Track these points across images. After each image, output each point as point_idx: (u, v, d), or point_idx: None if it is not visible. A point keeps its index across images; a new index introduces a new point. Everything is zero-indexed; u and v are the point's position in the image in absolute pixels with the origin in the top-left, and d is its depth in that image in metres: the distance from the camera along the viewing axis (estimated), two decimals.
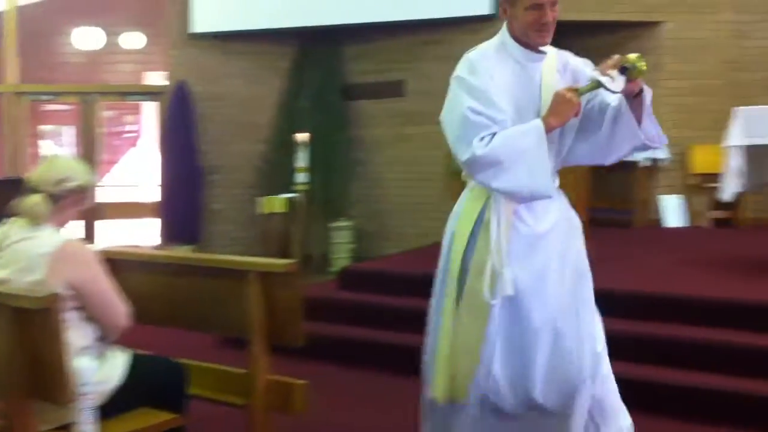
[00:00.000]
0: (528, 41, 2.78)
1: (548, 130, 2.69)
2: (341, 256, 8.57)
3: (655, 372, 4.16)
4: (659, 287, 4.91)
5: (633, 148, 2.82)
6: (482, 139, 2.68)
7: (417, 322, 5.08)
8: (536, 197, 2.73)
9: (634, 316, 4.54)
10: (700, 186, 8.29)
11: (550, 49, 2.85)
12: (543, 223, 2.79)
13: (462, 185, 5.77)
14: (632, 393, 3.08)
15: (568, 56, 2.92)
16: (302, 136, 7.64)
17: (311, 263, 8.44)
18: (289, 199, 7.99)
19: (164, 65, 10.03)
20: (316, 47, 9.27)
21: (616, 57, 2.66)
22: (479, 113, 2.70)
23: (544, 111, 2.75)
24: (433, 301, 3.00)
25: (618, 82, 2.61)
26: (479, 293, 2.75)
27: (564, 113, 2.70)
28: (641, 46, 8.83)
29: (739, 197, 7.77)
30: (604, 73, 2.63)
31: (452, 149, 2.81)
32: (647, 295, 4.73)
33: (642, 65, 2.62)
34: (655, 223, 8.60)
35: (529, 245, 2.76)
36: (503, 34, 2.85)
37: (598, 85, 2.65)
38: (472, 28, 8.72)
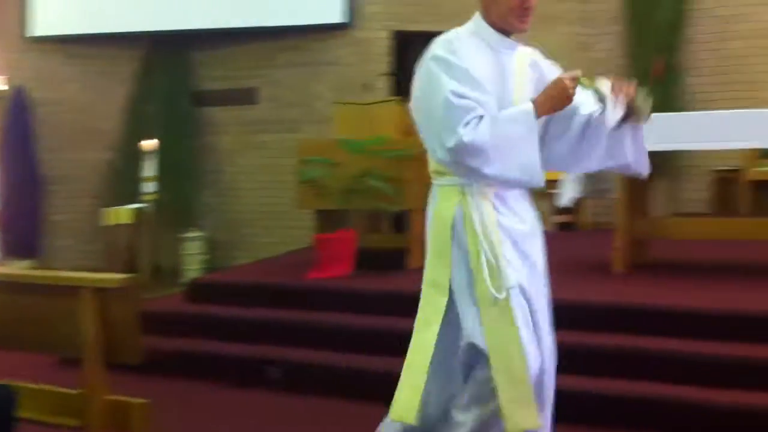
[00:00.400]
0: (507, 27, 2.67)
1: (539, 115, 2.58)
2: (193, 268, 8.36)
3: None
4: None
5: (608, 167, 2.77)
6: (467, 123, 2.51)
7: (270, 333, 5.06)
8: (526, 186, 2.64)
9: None
10: (544, 192, 8.60)
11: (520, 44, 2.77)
12: (523, 222, 2.70)
13: (315, 193, 5.79)
14: None
15: (537, 54, 2.83)
16: (149, 144, 7.40)
17: (161, 275, 8.18)
18: (137, 209, 7.72)
19: (2, 70, 9.51)
20: (164, 52, 9.03)
21: (632, 89, 2.58)
22: (462, 96, 2.52)
23: (515, 102, 2.65)
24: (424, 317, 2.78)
25: (617, 111, 2.56)
26: (487, 294, 2.58)
27: (558, 101, 2.60)
28: None
29: (580, 202, 8.15)
30: (613, 95, 2.55)
31: (429, 136, 2.61)
32: None
33: (647, 110, 2.58)
34: None
35: (514, 243, 2.65)
36: (476, 21, 2.72)
37: (600, 98, 2.58)
38: (325, 35, 8.75)
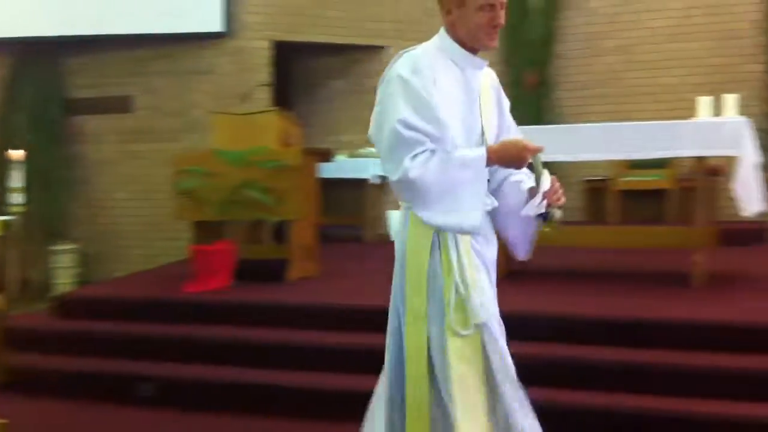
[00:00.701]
0: (475, 45, 2.57)
1: (489, 164, 2.51)
2: (64, 281, 8.02)
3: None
4: (388, 302, 5.04)
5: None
6: (415, 157, 2.42)
7: (143, 348, 4.89)
8: (464, 232, 2.52)
9: (365, 329, 4.63)
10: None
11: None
12: (490, 249, 2.61)
13: (193, 204, 5.66)
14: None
15: (495, 78, 2.76)
16: (16, 153, 7.04)
17: (30, 290, 7.81)
18: (3, 221, 7.33)
19: None
20: (33, 59, 8.65)
21: (563, 200, 2.55)
22: (412, 127, 2.42)
23: (483, 123, 2.61)
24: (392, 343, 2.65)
25: (540, 207, 2.52)
26: (456, 330, 2.48)
27: (512, 160, 2.52)
28: (365, 70, 9.20)
29: None
30: (548, 192, 2.51)
31: (382, 163, 2.53)
32: (380, 309, 4.82)
33: (555, 223, 2.55)
34: (385, 239, 8.93)
35: (486, 272, 2.56)
36: (442, 39, 2.61)
37: (538, 173, 2.52)
38: (203, 44, 8.60)
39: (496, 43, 2.57)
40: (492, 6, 2.52)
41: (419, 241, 2.53)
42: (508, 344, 2.56)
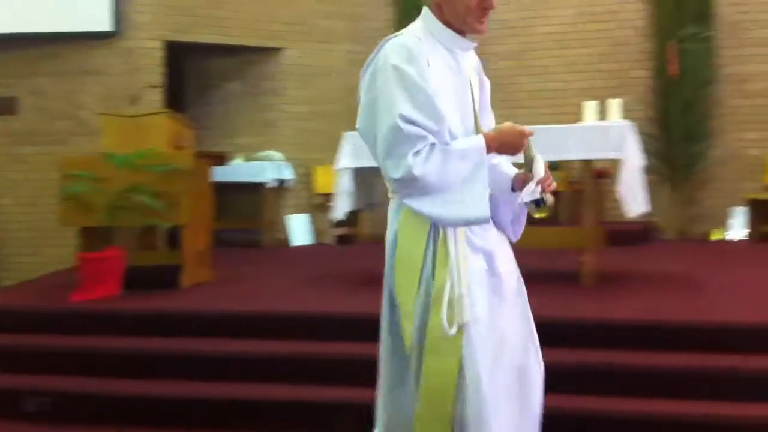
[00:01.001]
0: (464, 28, 2.46)
1: (488, 152, 2.42)
2: None
3: (277, 390, 4.21)
4: (286, 306, 5.00)
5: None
6: (417, 153, 2.31)
7: (29, 361, 4.68)
8: (471, 224, 2.41)
9: (260, 335, 4.57)
10: (323, 205, 8.72)
11: None
12: (489, 233, 2.50)
13: (79, 210, 5.45)
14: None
15: (477, 59, 2.65)
16: None
17: None
18: None
19: None
20: None
21: (553, 186, 2.51)
22: (413, 122, 2.30)
23: (475, 108, 2.52)
24: (386, 354, 2.52)
25: (534, 193, 2.49)
26: (439, 326, 2.36)
27: (508, 147, 2.46)
28: (263, 71, 9.12)
29: (357, 215, 8.31)
30: (542, 180, 2.47)
31: (378, 159, 2.40)
32: (276, 315, 4.77)
33: (547, 209, 2.53)
34: (283, 242, 8.87)
35: (486, 258, 2.47)
36: (428, 21, 2.48)
37: (528, 169, 2.49)
38: (91, 44, 8.33)
39: (485, 26, 2.46)
40: None
41: (414, 234, 2.42)
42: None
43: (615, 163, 5.31)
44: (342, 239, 8.83)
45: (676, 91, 8.55)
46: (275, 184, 8.77)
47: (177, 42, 8.53)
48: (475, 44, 2.54)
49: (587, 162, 5.34)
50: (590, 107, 5.97)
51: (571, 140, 5.08)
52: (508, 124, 2.48)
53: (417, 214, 2.39)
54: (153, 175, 5.36)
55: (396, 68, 2.34)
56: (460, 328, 2.36)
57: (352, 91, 9.38)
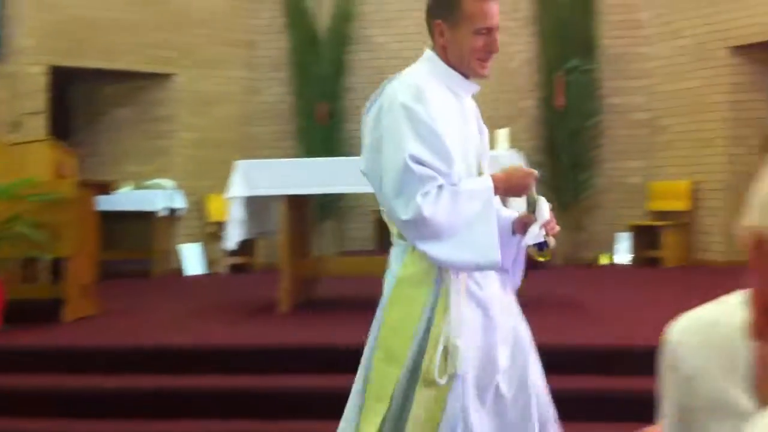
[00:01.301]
0: (465, 71, 2.42)
1: (496, 194, 2.36)
2: None
3: (160, 426, 4.09)
4: (172, 339, 4.86)
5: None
6: (426, 194, 2.22)
7: None
8: (482, 269, 2.36)
9: (144, 370, 4.42)
10: (216, 234, 8.58)
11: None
12: (488, 283, 2.44)
13: None
14: None
15: (473, 102, 2.62)
16: None
17: None
18: None
19: None
20: None
21: (557, 231, 2.47)
22: (423, 163, 2.23)
23: (483, 150, 2.49)
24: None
25: (539, 236, 2.43)
26: (431, 374, 2.30)
27: (515, 189, 2.42)
28: (154, 97, 8.94)
29: (252, 243, 8.22)
30: (546, 223, 2.43)
31: (384, 200, 2.30)
32: (160, 348, 4.64)
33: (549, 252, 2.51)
34: (176, 272, 8.67)
35: (482, 311, 2.40)
36: (433, 63, 2.43)
37: (532, 210, 2.44)
38: None
39: (487, 71, 2.43)
40: (489, 30, 2.38)
41: (419, 279, 2.34)
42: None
43: None
44: (236, 268, 8.71)
45: (562, 121, 8.85)
46: (167, 213, 8.58)
47: (63, 67, 8.27)
48: (478, 87, 2.52)
49: None
50: None
51: None
52: (514, 166, 2.48)
53: (423, 259, 2.32)
54: (34, 205, 5.15)
55: (405, 106, 2.28)
56: (450, 379, 2.31)
57: (246, 119, 9.39)
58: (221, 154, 8.59)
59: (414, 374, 2.33)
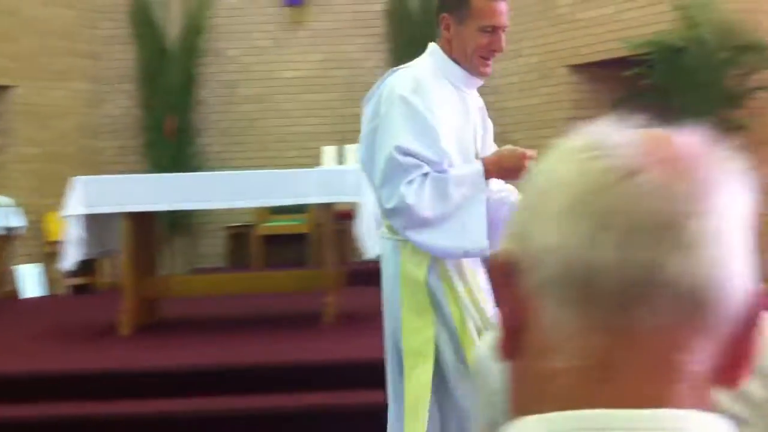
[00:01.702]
0: (468, 68, 2.40)
1: (487, 177, 2.34)
2: None
3: None
4: (8, 366, 4.55)
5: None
6: (410, 182, 2.24)
7: None
8: (470, 256, 2.33)
9: None
10: (55, 254, 8.13)
11: None
12: (480, 272, 2.43)
13: None
14: None
15: (479, 97, 2.59)
16: None
17: None
18: None
19: None
20: None
21: None
22: (408, 153, 2.24)
23: (477, 147, 2.46)
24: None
25: None
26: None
27: (509, 172, 2.36)
28: None
29: (94, 263, 7.86)
30: None
31: (374, 189, 2.36)
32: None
33: None
34: (13, 295, 8.17)
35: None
36: (437, 57, 2.42)
37: None
38: None
39: (489, 70, 2.44)
40: (494, 29, 2.38)
41: (415, 273, 2.35)
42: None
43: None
44: (79, 289, 8.29)
45: None
46: (3, 232, 8.07)
47: None
48: (482, 82, 2.52)
49: (328, 205, 5.41)
50: (329, 152, 6.09)
51: (312, 184, 5.14)
52: (508, 147, 2.45)
53: (416, 252, 2.33)
54: None
55: (402, 98, 2.31)
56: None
57: (90, 132, 8.98)
58: (63, 170, 8.16)
59: (458, 351, 2.32)
